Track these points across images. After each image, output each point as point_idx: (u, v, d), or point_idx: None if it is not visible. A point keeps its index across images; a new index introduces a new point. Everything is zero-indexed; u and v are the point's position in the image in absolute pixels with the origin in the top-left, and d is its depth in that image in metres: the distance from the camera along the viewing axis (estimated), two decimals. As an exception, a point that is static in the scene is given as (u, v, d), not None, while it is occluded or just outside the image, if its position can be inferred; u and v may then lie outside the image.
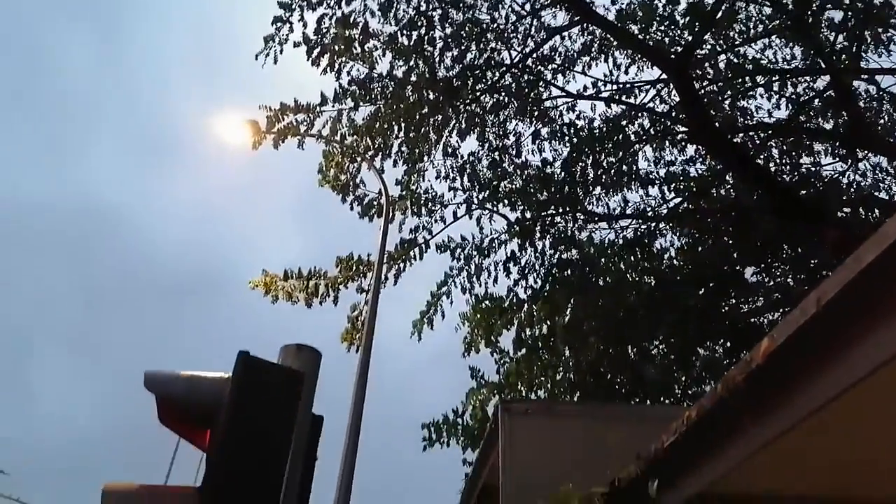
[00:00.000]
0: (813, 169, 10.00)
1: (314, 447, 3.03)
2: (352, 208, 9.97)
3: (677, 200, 9.97)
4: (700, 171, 10.14)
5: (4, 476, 24.33)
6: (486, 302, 8.85)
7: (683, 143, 9.73)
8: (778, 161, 9.92)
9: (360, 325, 9.88)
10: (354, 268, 10.01)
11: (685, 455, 1.78)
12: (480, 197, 9.49)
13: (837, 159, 9.76)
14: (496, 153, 9.53)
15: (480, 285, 9.69)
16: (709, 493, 1.77)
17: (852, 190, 9.49)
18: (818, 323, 1.25)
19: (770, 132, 9.50)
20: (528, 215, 9.50)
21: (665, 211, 9.95)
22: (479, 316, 8.39)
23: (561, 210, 9.39)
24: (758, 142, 9.63)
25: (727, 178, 10.14)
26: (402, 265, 10.20)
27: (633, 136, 9.66)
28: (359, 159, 9.60)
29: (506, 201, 9.40)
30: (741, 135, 9.39)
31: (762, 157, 9.45)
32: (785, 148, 9.91)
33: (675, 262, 9.74)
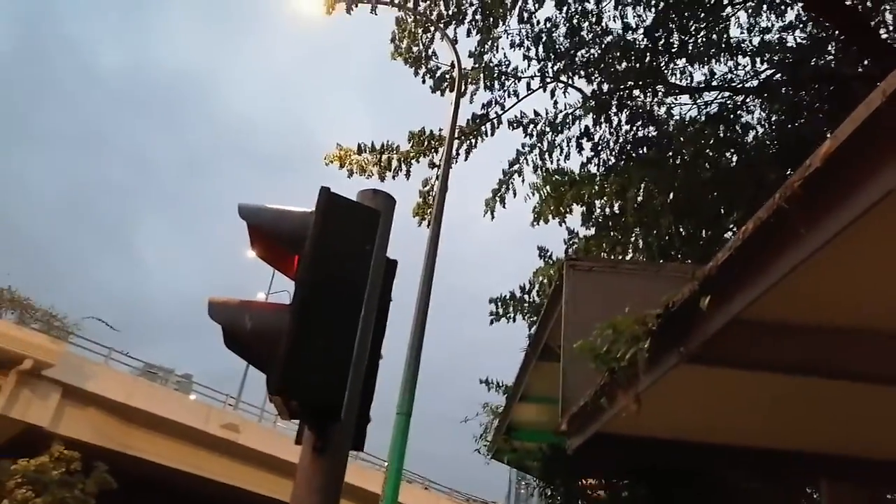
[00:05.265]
0: (931, 35, 8.99)
1: (389, 286, 3.30)
2: (424, 81, 9.91)
3: (770, 72, 9.29)
4: (798, 40, 9.33)
5: (116, 332, 27.35)
6: (557, 176, 8.81)
7: (783, 7, 8.90)
8: (891, 27, 8.95)
9: (431, 199, 10.12)
10: (426, 142, 10.10)
11: (740, 270, 1.84)
12: (555, 68, 9.16)
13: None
14: (574, 19, 9.05)
15: (552, 162, 9.63)
16: (760, 310, 1.85)
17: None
18: (885, 116, 1.24)
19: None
20: (604, 88, 9.15)
21: (756, 84, 9.33)
22: (548, 186, 8.40)
23: (641, 82, 8.96)
24: (870, 3, 8.67)
25: (828, 48, 9.31)
26: (473, 140, 10.21)
27: (726, 0, 8.91)
28: (432, 28, 9.38)
29: (582, 73, 9.04)
30: (851, -4, 8.46)
31: (873, 21, 8.54)
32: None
33: (760, 139, 9.24)
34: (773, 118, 9.35)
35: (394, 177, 10.15)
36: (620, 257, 9.44)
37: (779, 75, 9.11)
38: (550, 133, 9.56)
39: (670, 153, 8.79)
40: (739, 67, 9.18)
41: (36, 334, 18.92)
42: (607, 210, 9.29)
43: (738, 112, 9.24)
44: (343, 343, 2.52)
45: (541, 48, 9.15)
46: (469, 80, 9.64)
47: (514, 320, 10.45)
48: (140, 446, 21.61)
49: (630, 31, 8.90)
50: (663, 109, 9.49)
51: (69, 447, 17.81)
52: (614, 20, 9.20)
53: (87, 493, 17.38)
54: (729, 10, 8.90)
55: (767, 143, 9.24)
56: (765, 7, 9.06)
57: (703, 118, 9.23)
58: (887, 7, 8.95)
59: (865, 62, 8.37)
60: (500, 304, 10.38)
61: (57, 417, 19.32)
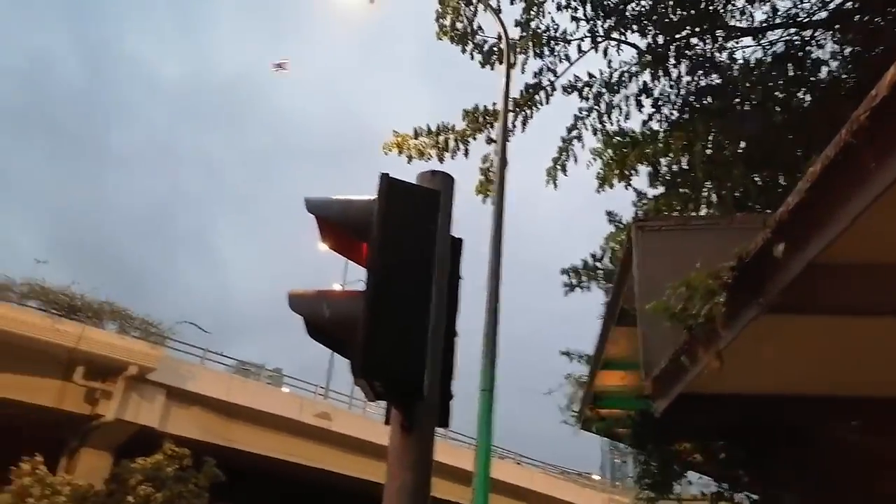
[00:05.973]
0: None
1: (457, 264, 3.36)
2: (472, 58, 9.83)
3: (839, 1, 8.66)
4: (870, -39, 8.62)
5: (207, 335, 28.88)
6: (617, 138, 8.59)
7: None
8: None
9: (492, 176, 10.09)
10: (480, 119, 10.05)
11: (812, 213, 1.77)
12: (606, 26, 8.88)
13: None
14: (621, -29, 8.73)
15: (612, 124, 9.39)
16: (837, 252, 1.78)
17: None
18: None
19: None
20: (660, 40, 8.79)
21: (824, 15, 8.72)
22: (610, 150, 8.20)
23: (698, 29, 8.56)
24: None
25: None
26: (528, 111, 10.08)
27: (784, -72, 8.36)
28: (475, 0, 9.29)
29: (634, 27, 8.72)
30: None
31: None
32: None
33: (833, 74, 8.66)
34: (847, 50, 8.73)
35: (452, 157, 10.17)
36: (693, 214, 9.13)
37: (849, 3, 8.48)
38: (607, 94, 9.31)
39: (737, 100, 8.39)
40: (805, 1, 8.61)
41: (136, 342, 20.22)
42: (674, 167, 8.99)
43: (807, 48, 8.67)
44: (417, 323, 2.60)
45: (588, 6, 8.89)
46: (518, 49, 9.50)
47: (589, 289, 10.34)
48: (242, 439, 22.83)
49: (682, -24, 8.50)
50: (725, 55, 9.04)
51: (178, 445, 19.02)
52: (665, -34, 8.80)
53: (200, 486, 18.56)
54: (788, -62, 8.34)
55: (843, 77, 8.65)
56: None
57: (769, 59, 8.73)
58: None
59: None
60: (572, 274, 10.29)
61: (164, 417, 20.67)
